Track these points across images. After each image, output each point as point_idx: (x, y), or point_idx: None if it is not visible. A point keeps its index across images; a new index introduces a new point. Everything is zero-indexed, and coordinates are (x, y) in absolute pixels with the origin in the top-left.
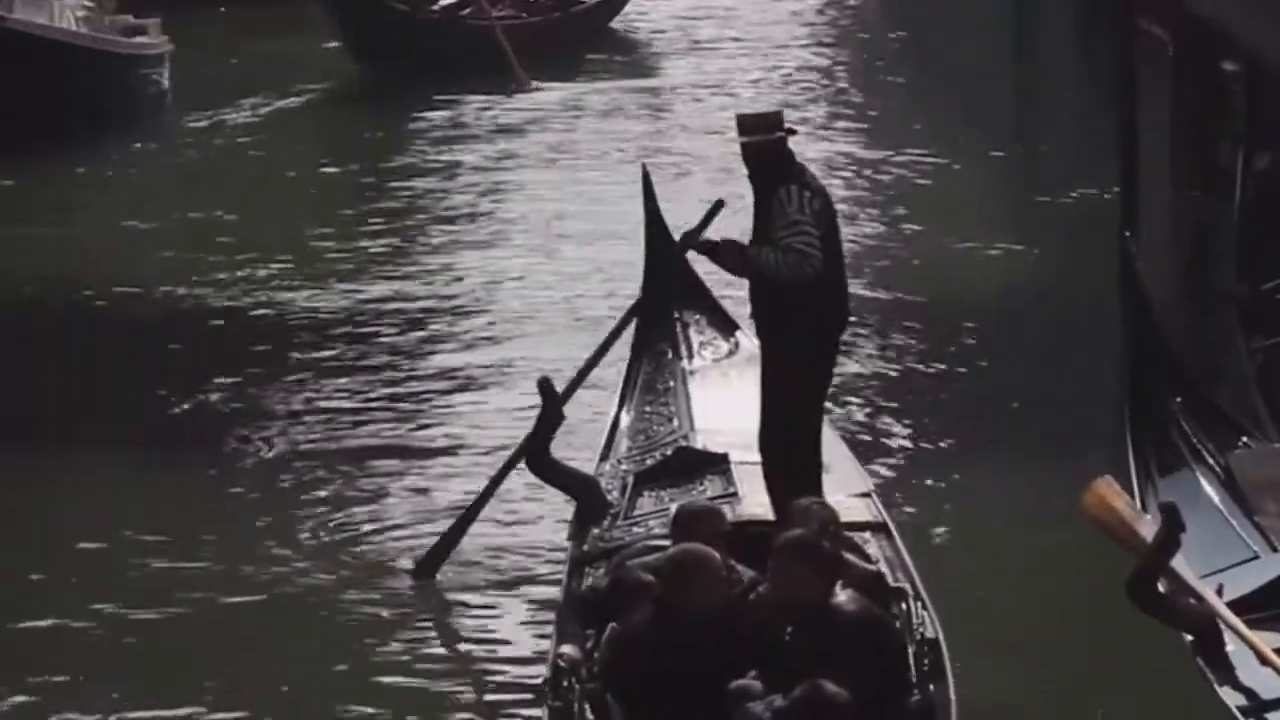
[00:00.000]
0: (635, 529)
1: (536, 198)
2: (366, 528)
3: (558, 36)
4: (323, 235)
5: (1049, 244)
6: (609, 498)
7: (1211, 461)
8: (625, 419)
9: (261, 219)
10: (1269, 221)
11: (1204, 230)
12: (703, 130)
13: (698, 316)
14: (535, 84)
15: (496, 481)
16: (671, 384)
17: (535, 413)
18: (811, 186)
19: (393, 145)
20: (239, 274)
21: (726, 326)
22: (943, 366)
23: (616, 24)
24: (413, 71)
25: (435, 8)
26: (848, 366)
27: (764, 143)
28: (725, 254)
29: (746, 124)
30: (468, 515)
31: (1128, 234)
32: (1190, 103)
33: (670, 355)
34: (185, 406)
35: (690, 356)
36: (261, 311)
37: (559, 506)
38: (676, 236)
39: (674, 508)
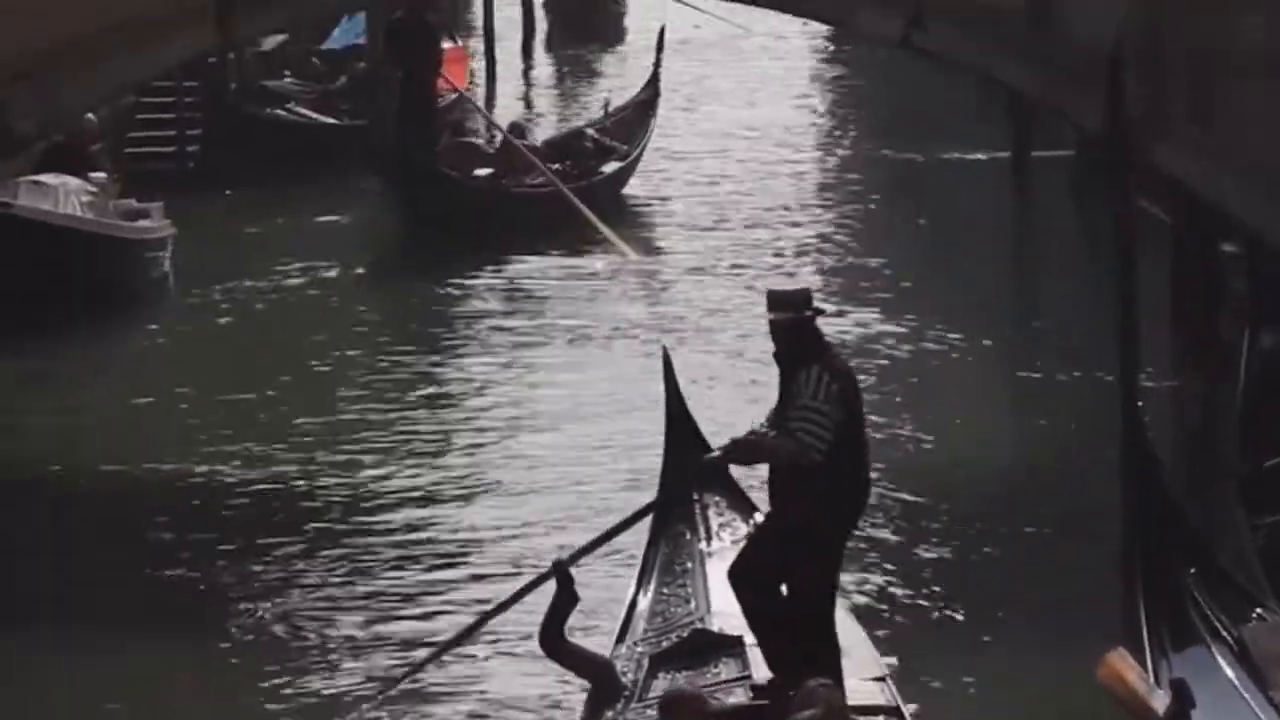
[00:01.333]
0: (649, 712)
1: (555, 373)
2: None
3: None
4: (327, 412)
5: (1050, 420)
6: (624, 680)
7: (1225, 634)
8: (643, 601)
9: (262, 397)
10: (1271, 399)
11: (1205, 408)
12: (715, 309)
13: (717, 498)
14: (631, 254)
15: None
16: (690, 565)
17: (549, 595)
18: (834, 368)
19: (402, 320)
20: (238, 450)
21: (746, 508)
22: (954, 543)
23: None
24: (458, 240)
25: (479, 174)
26: (858, 544)
27: (791, 320)
28: (739, 459)
29: (775, 300)
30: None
31: (1139, 403)
32: (1190, 281)
33: (689, 536)
34: (182, 583)
35: (709, 538)
36: (263, 488)
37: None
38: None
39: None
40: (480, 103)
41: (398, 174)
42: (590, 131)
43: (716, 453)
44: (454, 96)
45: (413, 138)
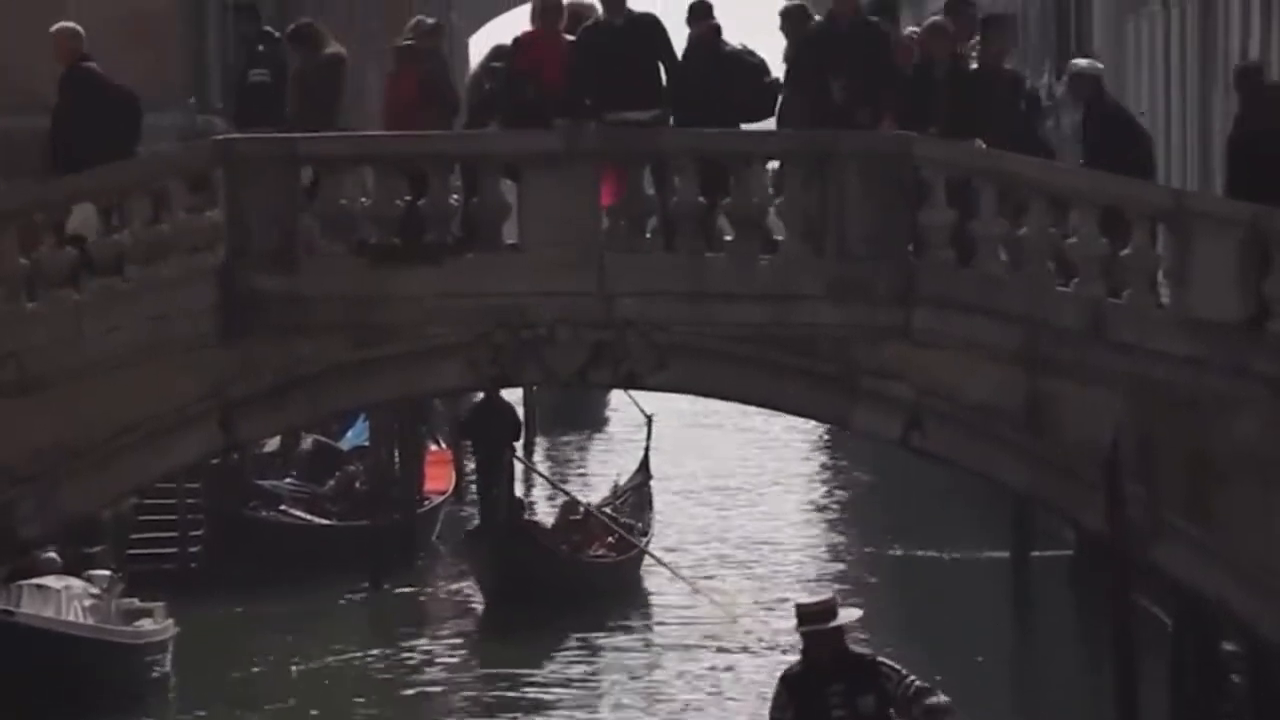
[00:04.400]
0: None
1: None
2: None
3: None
4: None
5: None
6: None
7: None
8: None
9: None
10: None
11: None
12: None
13: None
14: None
15: None
16: None
17: None
18: (864, 684)
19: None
20: None
21: None
22: None
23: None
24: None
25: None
26: None
27: (820, 633)
28: None
29: (805, 614)
30: None
31: None
32: (1190, 681)
33: None
34: None
35: None
36: None
37: None
38: None
39: None
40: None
41: (489, 545)
42: (608, 510)
43: None
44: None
45: (506, 512)
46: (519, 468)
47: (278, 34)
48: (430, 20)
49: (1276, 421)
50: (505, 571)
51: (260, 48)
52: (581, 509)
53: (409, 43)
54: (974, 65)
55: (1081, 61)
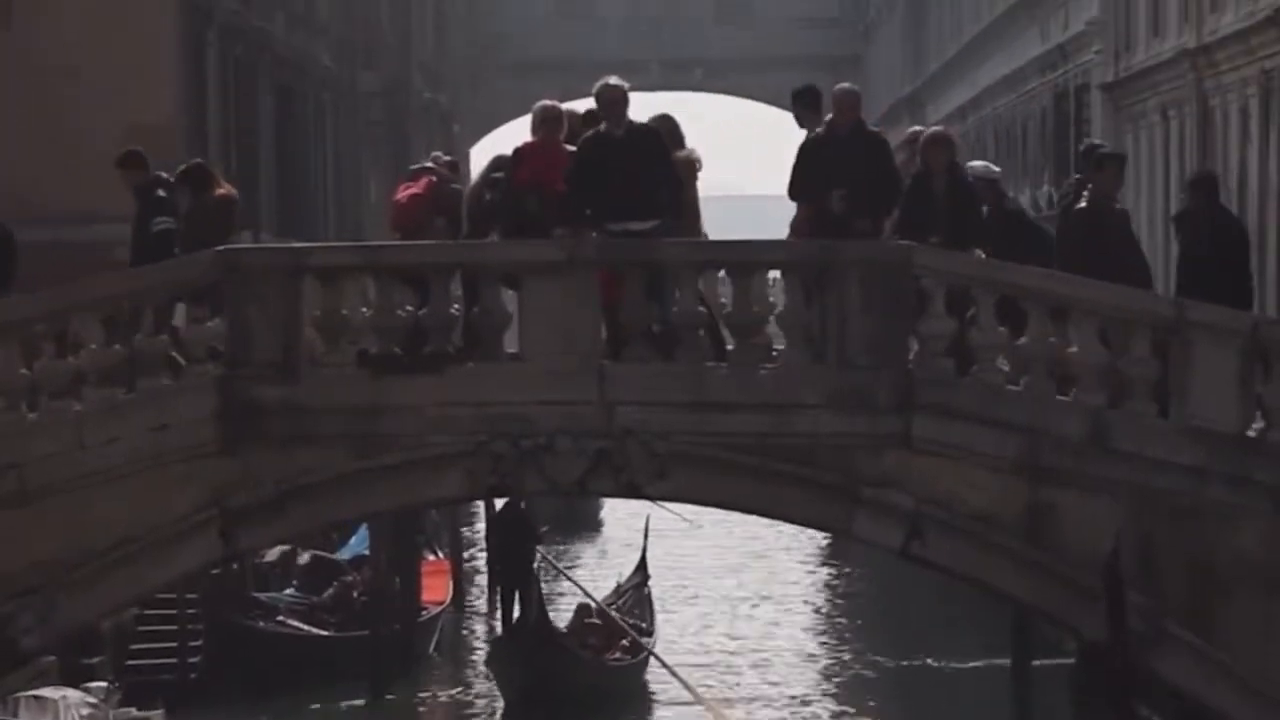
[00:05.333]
0: None
1: None
2: None
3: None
4: None
5: None
6: None
7: None
8: None
9: None
10: None
11: None
12: None
13: None
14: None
15: None
16: None
17: None
18: None
19: None
20: None
21: None
22: None
23: None
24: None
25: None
26: None
27: None
28: None
29: None
30: None
31: None
32: None
33: None
34: None
35: None
36: None
37: None
38: None
39: None
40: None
41: (518, 649)
42: (613, 612)
43: None
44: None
45: (537, 615)
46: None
47: (172, 178)
48: (447, 156)
49: (1278, 532)
50: (533, 675)
51: (160, 193)
52: (596, 611)
53: (426, 165)
54: (1082, 204)
55: (977, 164)
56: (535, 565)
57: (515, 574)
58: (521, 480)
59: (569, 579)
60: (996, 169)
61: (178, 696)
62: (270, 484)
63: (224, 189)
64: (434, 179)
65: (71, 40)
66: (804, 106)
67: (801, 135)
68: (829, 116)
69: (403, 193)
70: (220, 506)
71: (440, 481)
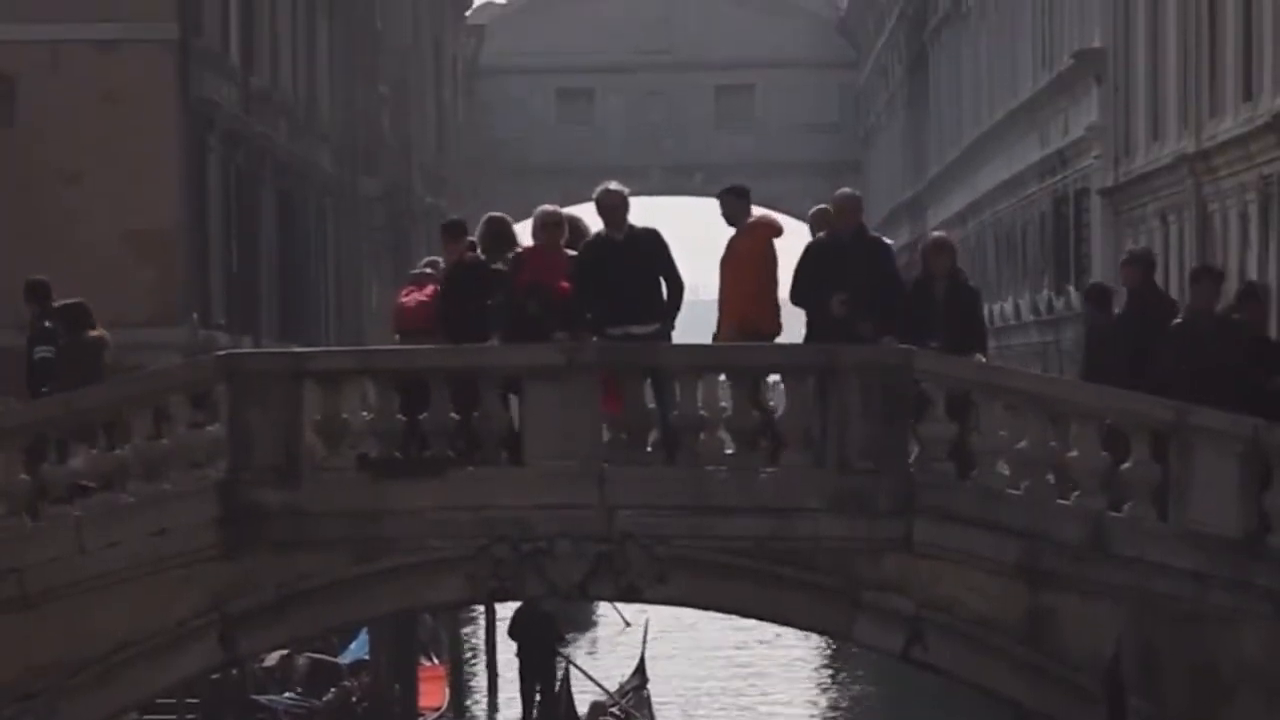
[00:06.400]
0: None
1: None
2: None
3: None
4: None
5: None
6: None
7: None
8: None
9: None
10: None
11: None
12: None
13: None
14: None
15: None
16: None
17: None
18: None
19: None
20: None
21: None
22: None
23: None
24: None
25: None
26: None
27: None
28: None
29: None
30: None
31: None
32: None
33: None
34: None
35: None
36: None
37: None
38: None
39: None
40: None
41: None
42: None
43: None
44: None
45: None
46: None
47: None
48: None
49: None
50: None
51: (46, 324)
52: (609, 709)
53: (426, 270)
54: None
55: (939, 234)
56: (558, 664)
57: (536, 672)
58: (522, 584)
59: (591, 680)
60: (888, 241)
61: None
62: (271, 588)
63: (98, 331)
64: (438, 286)
65: (74, 143)
66: (736, 199)
67: (797, 240)
68: (818, 208)
69: (407, 296)
70: (220, 611)
71: (441, 585)
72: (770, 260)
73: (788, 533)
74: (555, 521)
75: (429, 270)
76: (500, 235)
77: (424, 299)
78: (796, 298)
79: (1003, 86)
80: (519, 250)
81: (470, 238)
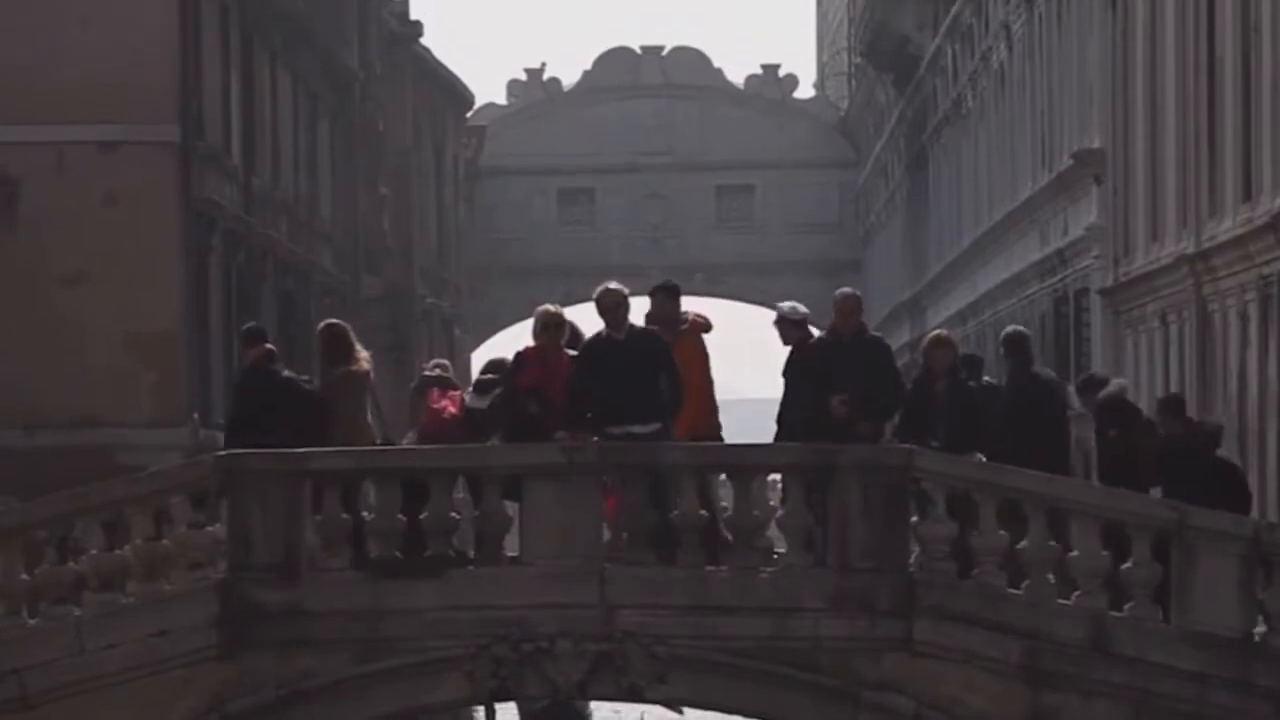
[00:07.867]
0: None
1: None
2: None
3: None
4: None
5: None
6: None
7: None
8: None
9: None
10: None
11: None
12: None
13: None
14: None
15: None
16: None
17: None
18: None
19: None
20: None
21: None
22: None
23: None
24: None
25: None
26: None
27: None
28: None
29: None
30: None
31: None
32: None
33: None
34: None
35: None
36: None
37: None
38: None
39: None
40: None
41: None
42: None
43: None
44: None
45: None
46: None
47: None
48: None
49: None
50: None
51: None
52: None
53: (441, 374)
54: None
55: (784, 305)
56: None
57: None
58: (522, 683)
59: None
60: (803, 309)
61: None
62: (271, 688)
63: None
64: (464, 395)
65: (76, 245)
66: (668, 299)
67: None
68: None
69: (439, 401)
70: (220, 712)
71: (441, 685)
72: (707, 361)
73: (788, 632)
74: (556, 621)
75: (440, 373)
76: (331, 340)
77: (456, 411)
78: (788, 398)
79: (1002, 186)
80: (519, 351)
81: (268, 344)
